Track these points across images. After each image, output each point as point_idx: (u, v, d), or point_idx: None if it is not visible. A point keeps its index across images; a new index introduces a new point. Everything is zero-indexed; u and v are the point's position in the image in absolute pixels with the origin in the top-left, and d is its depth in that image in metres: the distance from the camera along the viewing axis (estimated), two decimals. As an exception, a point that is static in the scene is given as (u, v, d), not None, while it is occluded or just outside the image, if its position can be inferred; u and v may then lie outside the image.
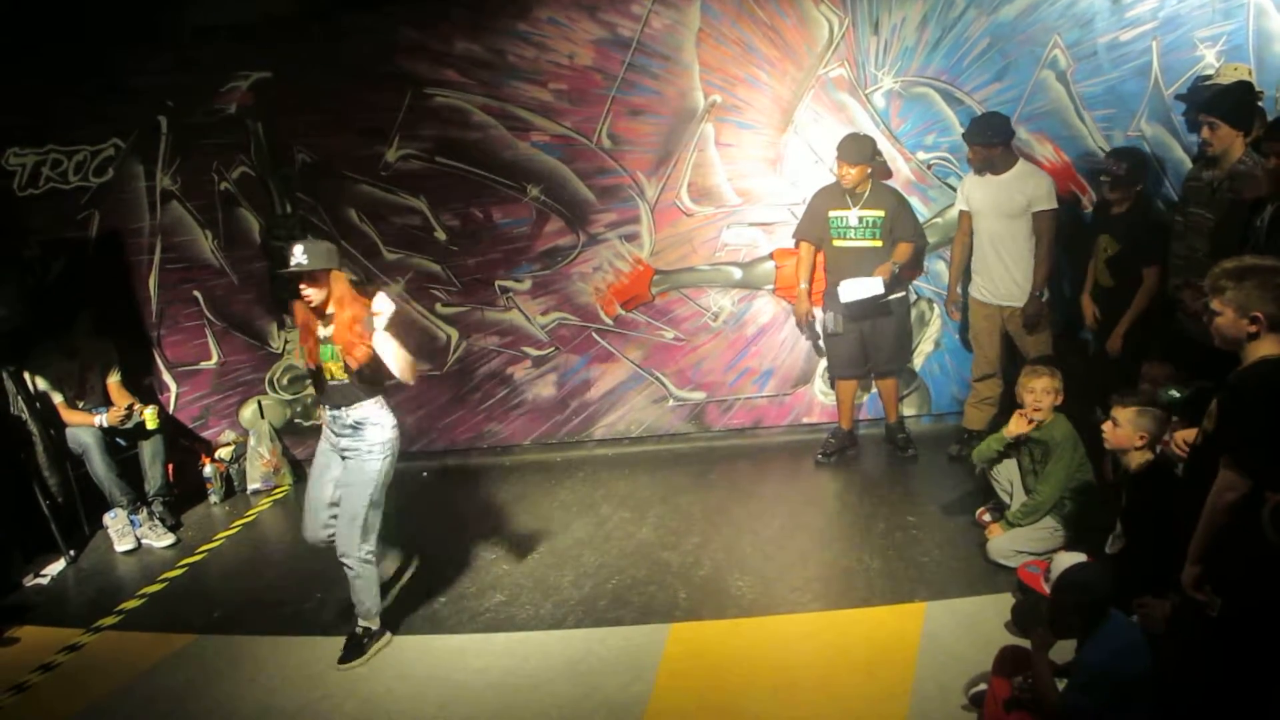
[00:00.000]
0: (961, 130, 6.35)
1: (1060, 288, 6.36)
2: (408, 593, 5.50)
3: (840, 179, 6.17)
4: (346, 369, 4.48)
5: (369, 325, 4.38)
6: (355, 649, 4.76)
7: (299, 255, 4.29)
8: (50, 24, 6.86)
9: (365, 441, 4.59)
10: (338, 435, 4.63)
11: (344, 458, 4.65)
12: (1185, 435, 3.96)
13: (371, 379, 4.55)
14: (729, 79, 6.66)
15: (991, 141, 5.90)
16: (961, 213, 6.27)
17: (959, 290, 6.46)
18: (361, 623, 4.80)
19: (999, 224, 6.02)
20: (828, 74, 6.58)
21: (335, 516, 4.69)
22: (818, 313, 6.53)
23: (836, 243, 6.31)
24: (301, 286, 4.38)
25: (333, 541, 4.70)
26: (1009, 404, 5.49)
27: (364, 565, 4.68)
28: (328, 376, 4.55)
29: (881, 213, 6.21)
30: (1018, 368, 5.50)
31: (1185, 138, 6.16)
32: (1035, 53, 6.29)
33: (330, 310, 4.45)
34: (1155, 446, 4.21)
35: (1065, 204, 6.20)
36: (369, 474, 4.59)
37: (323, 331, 4.51)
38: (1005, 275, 6.05)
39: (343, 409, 4.56)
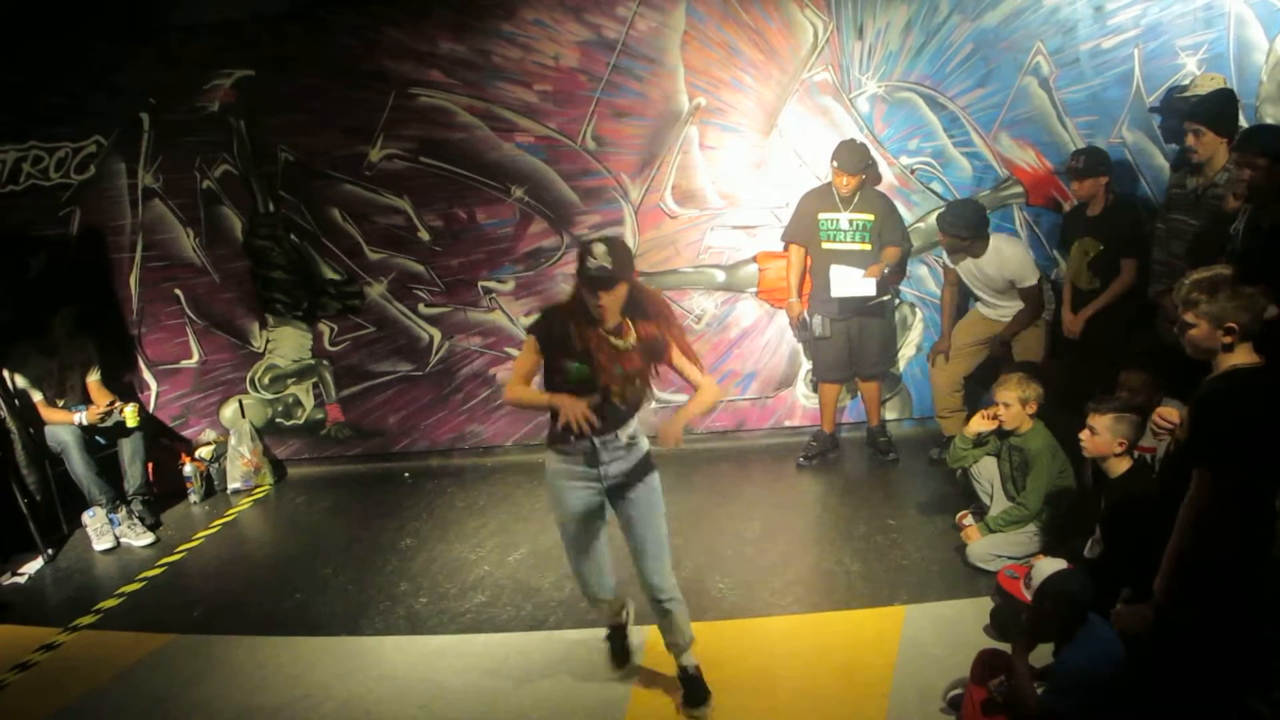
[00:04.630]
0: (945, 134, 6.50)
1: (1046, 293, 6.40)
2: (388, 593, 5.50)
3: (838, 186, 6.20)
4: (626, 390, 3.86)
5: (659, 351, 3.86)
6: (699, 689, 4.15)
7: (602, 256, 3.58)
8: (33, 20, 6.82)
9: (640, 456, 4.00)
10: (606, 462, 3.92)
11: (619, 486, 3.98)
12: (1165, 413, 4.00)
13: (638, 399, 3.98)
14: (713, 82, 6.67)
15: (963, 236, 5.98)
16: (948, 268, 6.35)
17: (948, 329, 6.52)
18: (690, 660, 4.17)
19: (989, 294, 6.20)
20: (812, 78, 6.60)
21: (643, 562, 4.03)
22: (805, 315, 6.54)
23: (825, 245, 6.33)
24: (600, 293, 3.63)
25: (615, 585, 4.15)
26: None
27: (677, 590, 4.10)
28: (614, 399, 3.84)
29: (871, 217, 6.24)
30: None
31: (1166, 145, 6.21)
32: (1018, 59, 6.33)
33: (621, 325, 3.79)
34: (1133, 452, 4.25)
35: (1048, 211, 6.32)
36: (657, 489, 4.03)
37: (618, 343, 3.80)
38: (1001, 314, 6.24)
39: (616, 431, 3.92)
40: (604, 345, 3.76)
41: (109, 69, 7.03)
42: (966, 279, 6.22)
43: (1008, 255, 5.99)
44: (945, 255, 6.32)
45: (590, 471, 3.93)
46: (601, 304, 3.64)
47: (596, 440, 3.85)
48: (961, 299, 6.46)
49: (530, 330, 3.88)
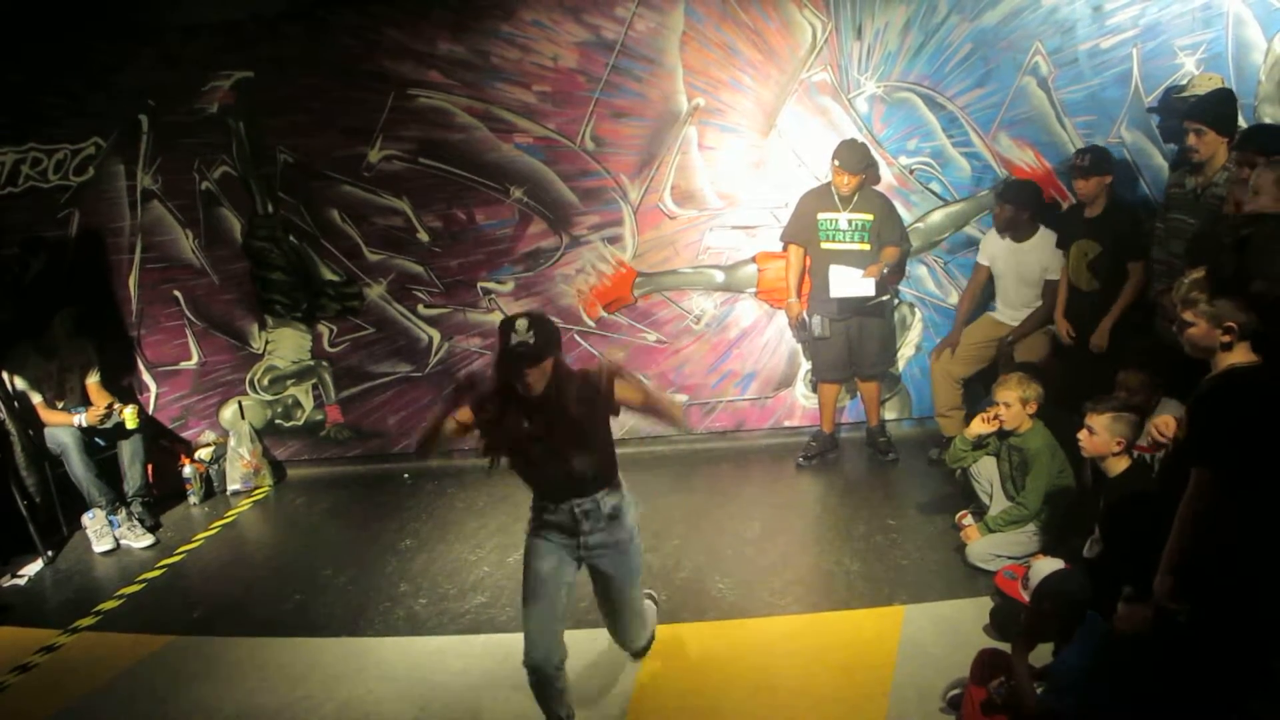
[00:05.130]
0: (944, 134, 6.47)
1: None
2: (388, 594, 5.50)
3: (838, 186, 6.22)
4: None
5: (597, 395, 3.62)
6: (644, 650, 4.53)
7: (524, 331, 3.45)
8: (31, 21, 6.82)
9: (625, 529, 3.85)
10: (587, 532, 3.78)
11: (595, 556, 3.85)
12: (1162, 425, 4.00)
13: (608, 461, 3.86)
14: (712, 82, 6.67)
15: (1023, 207, 6.03)
16: (979, 266, 6.39)
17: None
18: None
19: (1019, 286, 6.21)
20: (811, 78, 6.60)
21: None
22: (804, 315, 6.54)
23: (825, 245, 6.34)
24: (526, 371, 3.50)
25: (563, 660, 3.81)
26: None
27: (642, 638, 4.32)
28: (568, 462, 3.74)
29: (870, 216, 6.25)
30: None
31: (1165, 145, 6.21)
32: (1017, 59, 6.33)
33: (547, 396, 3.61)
34: (1132, 451, 4.25)
35: (1047, 211, 6.30)
36: (637, 563, 3.94)
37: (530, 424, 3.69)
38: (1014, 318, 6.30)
39: (594, 498, 3.78)
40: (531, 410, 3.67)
41: (109, 69, 7.03)
42: (999, 270, 6.25)
43: (1051, 247, 6.04)
44: (984, 241, 6.37)
45: (569, 541, 3.83)
46: (528, 380, 3.52)
47: (576, 509, 3.75)
48: (977, 304, 6.48)
49: (472, 407, 3.79)
